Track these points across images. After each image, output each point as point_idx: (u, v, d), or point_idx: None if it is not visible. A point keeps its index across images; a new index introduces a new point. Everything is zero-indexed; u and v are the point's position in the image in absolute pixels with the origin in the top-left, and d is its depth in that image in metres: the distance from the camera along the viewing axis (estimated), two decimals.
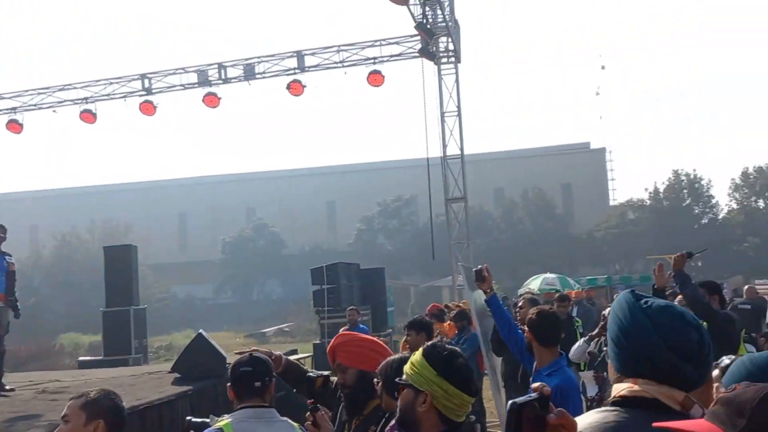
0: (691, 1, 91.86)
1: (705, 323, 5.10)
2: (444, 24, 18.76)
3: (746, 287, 13.63)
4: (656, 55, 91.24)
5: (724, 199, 51.94)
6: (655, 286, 5.67)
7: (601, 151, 60.38)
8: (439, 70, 19.66)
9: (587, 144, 61.85)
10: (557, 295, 9.86)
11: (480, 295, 5.40)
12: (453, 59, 19.79)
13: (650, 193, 49.90)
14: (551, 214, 51.01)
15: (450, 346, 2.34)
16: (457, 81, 19.60)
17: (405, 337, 6.07)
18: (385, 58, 19.87)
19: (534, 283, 22.29)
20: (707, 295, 5.42)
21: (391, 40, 19.97)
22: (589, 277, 27.09)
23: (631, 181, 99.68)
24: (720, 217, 49.15)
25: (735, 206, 49.28)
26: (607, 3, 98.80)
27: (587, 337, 6.49)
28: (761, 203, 48.04)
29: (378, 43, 20.08)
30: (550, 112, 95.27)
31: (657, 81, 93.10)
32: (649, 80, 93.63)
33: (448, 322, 9.17)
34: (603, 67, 61.84)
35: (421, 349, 2.29)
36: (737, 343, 5.21)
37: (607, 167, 59.99)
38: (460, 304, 9.55)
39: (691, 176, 49.12)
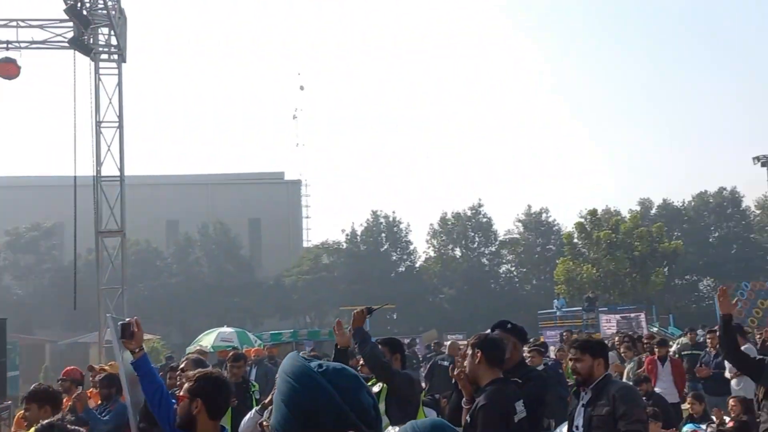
0: (405, 28, 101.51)
1: (385, 384, 5.68)
2: (105, 12, 18.39)
3: (449, 343, 16.01)
4: (362, 77, 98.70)
5: (422, 246, 57.74)
6: (338, 346, 6.11)
7: (297, 183, 63.37)
8: (97, 68, 19.19)
9: (281, 174, 64.40)
10: (231, 353, 10.06)
11: (129, 356, 5.30)
12: (116, 57, 19.46)
13: (347, 234, 53.54)
14: (235, 255, 51.90)
15: (73, 427, 2.31)
16: (119, 84, 19.27)
17: (23, 412, 5.72)
18: (23, 44, 18.93)
19: (207, 339, 22.48)
20: (389, 353, 5.99)
21: (33, 23, 19.11)
22: (272, 332, 28.14)
23: (328, 220, 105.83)
24: (417, 265, 54.57)
25: (432, 254, 55.13)
26: (307, 19, 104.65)
27: (260, 406, 6.72)
28: (458, 251, 54.40)
29: (14, 24, 19.05)
30: (239, 133, 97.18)
31: (362, 108, 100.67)
32: (353, 106, 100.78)
33: (90, 389, 8.93)
34: (302, 88, 64.43)
35: (32, 430, 2.23)
36: (417, 406, 5.86)
37: (303, 202, 63.10)
38: (106, 367, 9.36)
39: (390, 219, 53.88)
